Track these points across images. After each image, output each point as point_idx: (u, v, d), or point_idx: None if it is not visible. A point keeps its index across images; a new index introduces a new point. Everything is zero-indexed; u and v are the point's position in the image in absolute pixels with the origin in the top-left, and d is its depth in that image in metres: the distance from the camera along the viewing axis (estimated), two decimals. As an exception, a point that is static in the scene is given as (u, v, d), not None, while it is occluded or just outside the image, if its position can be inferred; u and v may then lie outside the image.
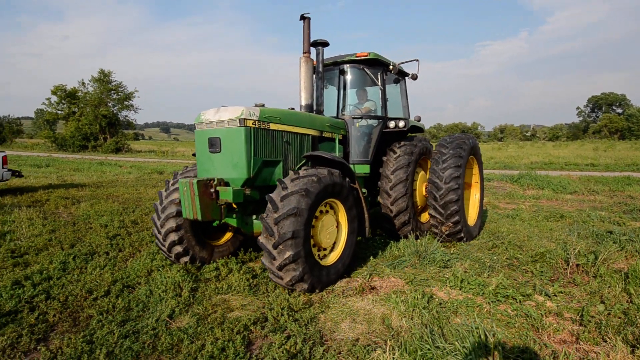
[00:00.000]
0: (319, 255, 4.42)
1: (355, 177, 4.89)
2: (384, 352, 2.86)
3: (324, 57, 5.94)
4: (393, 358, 2.80)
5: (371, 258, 5.20)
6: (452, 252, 5.59)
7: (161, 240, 4.82)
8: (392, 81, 6.86)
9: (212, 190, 4.35)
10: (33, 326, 3.46)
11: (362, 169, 6.17)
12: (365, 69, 6.21)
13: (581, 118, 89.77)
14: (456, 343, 2.93)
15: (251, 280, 4.49)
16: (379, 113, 6.41)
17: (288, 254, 3.82)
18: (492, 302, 3.83)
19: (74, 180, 14.66)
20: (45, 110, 43.84)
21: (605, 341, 3.05)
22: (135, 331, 3.37)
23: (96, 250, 5.71)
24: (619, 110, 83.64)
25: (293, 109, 5.64)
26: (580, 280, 4.40)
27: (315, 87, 5.85)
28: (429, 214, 6.17)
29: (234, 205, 4.65)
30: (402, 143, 6.27)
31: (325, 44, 5.81)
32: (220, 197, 4.38)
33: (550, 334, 3.23)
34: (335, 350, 3.06)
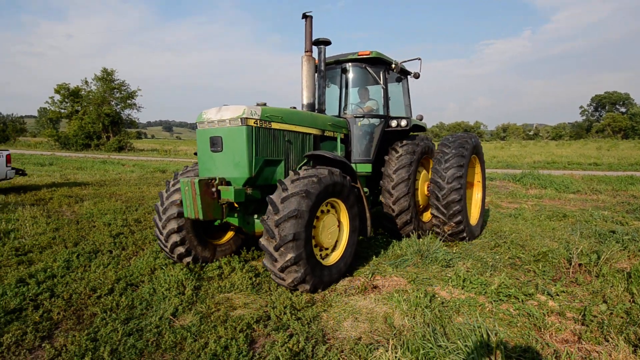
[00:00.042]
0: (320, 255, 4.41)
1: (356, 176, 4.88)
2: (386, 351, 2.86)
3: (326, 56, 5.94)
4: (395, 357, 2.81)
5: (373, 257, 5.20)
6: (454, 251, 5.59)
7: (163, 242, 4.82)
8: (394, 80, 6.84)
9: (214, 189, 4.35)
10: (37, 324, 3.49)
11: (364, 168, 6.16)
12: (368, 68, 6.19)
13: (584, 117, 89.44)
14: (458, 342, 2.93)
15: (254, 279, 4.51)
16: (381, 112, 6.39)
17: (289, 256, 3.82)
18: (494, 301, 3.84)
19: (77, 179, 14.72)
20: (48, 108, 44.03)
21: (608, 341, 3.05)
22: (138, 329, 3.39)
23: (100, 248, 5.74)
24: (623, 110, 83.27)
25: (295, 108, 5.63)
26: (583, 279, 4.40)
27: (317, 86, 5.83)
28: (432, 213, 6.15)
29: (236, 205, 4.64)
30: (404, 142, 6.26)
31: (327, 42, 5.79)
32: (222, 196, 4.38)
33: (552, 334, 3.23)
34: (337, 349, 3.07)
